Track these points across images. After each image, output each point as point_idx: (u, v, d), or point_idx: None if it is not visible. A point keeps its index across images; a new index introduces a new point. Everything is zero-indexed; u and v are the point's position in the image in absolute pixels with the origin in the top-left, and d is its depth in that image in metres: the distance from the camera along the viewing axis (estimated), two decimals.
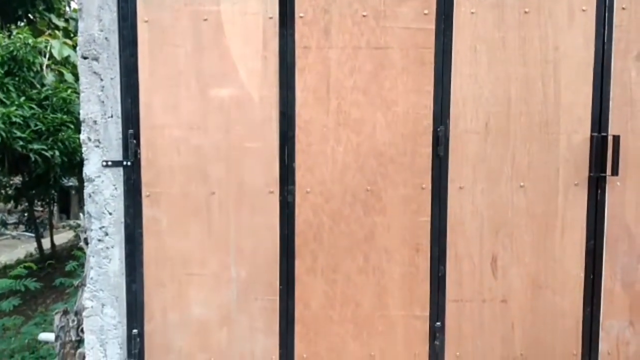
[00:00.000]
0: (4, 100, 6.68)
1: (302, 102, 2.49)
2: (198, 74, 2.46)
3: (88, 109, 2.48)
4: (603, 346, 2.60)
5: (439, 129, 2.51)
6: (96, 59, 2.46)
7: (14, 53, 6.94)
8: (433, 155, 2.52)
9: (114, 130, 2.47)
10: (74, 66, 7.03)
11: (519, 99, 2.51)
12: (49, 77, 7.38)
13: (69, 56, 7.32)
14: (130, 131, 2.46)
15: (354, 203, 2.53)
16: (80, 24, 2.47)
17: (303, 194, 2.52)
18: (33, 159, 6.79)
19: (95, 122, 2.47)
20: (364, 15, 2.47)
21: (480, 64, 2.50)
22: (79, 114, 2.51)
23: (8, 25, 9.52)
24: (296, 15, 2.46)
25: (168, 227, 2.51)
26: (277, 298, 2.54)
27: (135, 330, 2.51)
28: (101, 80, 2.46)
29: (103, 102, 2.47)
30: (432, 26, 2.47)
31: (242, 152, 2.50)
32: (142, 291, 2.51)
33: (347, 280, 2.55)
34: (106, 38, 2.45)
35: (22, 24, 9.63)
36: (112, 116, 2.47)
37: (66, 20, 9.86)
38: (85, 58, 2.47)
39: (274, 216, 2.53)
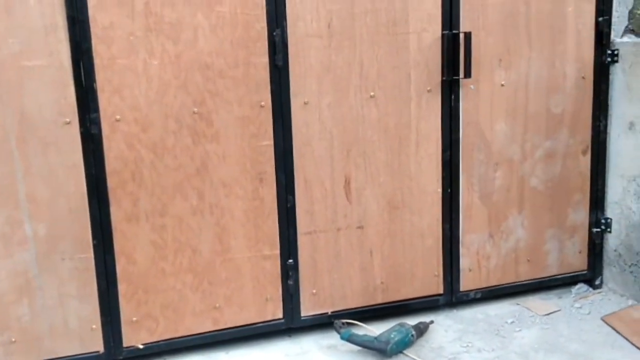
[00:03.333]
0: None
1: (96, 2, 1.93)
2: None
3: None
4: (464, 263, 2.48)
5: (275, 33, 2.11)
6: None
7: None
8: (271, 66, 2.14)
9: None
10: None
11: None
12: None
13: None
14: None
15: (180, 130, 2.09)
16: None
17: (111, 123, 2.01)
18: None
19: None
20: None
21: None
22: None
23: None
24: None
25: None
26: (91, 255, 2.06)
27: None
28: None
29: None
30: None
31: (21, 73, 1.91)
32: None
33: (180, 224, 2.13)
34: None
35: None
36: None
37: None
38: None
39: (74, 153, 2.00)
